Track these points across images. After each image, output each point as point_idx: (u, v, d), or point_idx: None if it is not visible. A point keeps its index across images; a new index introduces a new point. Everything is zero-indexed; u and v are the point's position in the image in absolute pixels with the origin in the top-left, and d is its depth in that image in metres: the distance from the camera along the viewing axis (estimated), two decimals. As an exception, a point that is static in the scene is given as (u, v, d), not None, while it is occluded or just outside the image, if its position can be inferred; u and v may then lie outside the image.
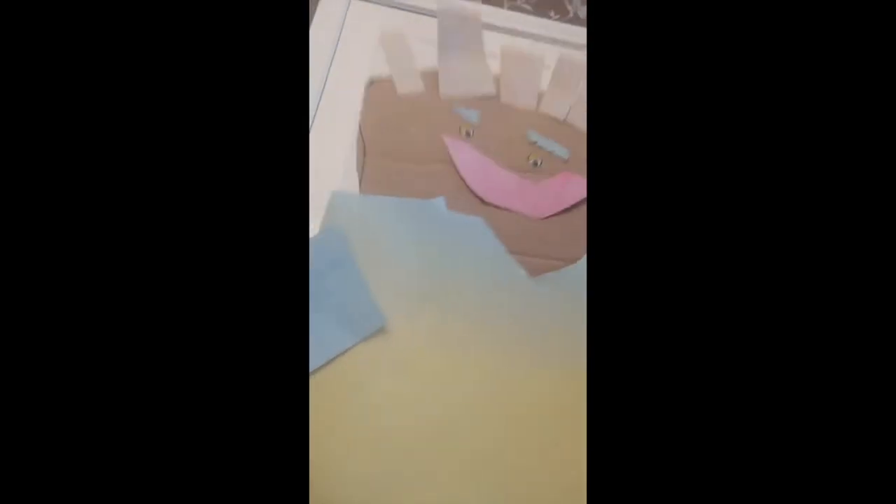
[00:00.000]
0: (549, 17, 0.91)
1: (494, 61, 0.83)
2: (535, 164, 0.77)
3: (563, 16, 0.92)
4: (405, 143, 0.75)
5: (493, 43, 0.84)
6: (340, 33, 0.83)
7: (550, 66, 0.85)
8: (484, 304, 0.65)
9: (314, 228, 0.68)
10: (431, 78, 0.80)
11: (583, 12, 0.98)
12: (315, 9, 0.83)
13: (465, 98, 0.80)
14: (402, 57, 0.81)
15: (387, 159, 0.73)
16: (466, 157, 0.75)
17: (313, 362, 0.59)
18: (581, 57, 0.84)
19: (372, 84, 0.78)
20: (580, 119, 0.81)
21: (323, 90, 0.78)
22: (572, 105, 0.82)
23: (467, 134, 0.77)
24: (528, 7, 0.92)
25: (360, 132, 0.74)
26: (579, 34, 0.94)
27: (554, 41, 0.88)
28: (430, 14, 0.84)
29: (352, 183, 0.72)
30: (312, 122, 0.75)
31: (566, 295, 0.68)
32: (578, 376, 0.62)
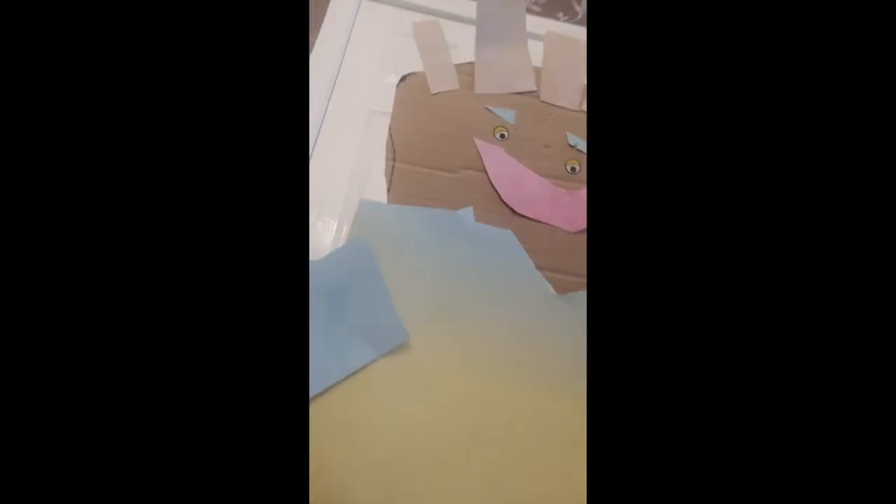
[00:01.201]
0: (558, 19, 0.90)
1: (535, 52, 0.78)
2: (573, 170, 0.72)
3: (572, 17, 0.91)
4: (435, 148, 0.71)
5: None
6: (350, 33, 0.80)
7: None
8: (509, 323, 0.64)
9: (314, 220, 0.68)
10: (466, 72, 0.76)
11: (592, 13, 0.94)
12: (326, 8, 0.81)
13: (501, 95, 0.76)
14: (436, 50, 0.76)
15: (416, 166, 0.71)
16: (499, 164, 0.71)
17: (335, 375, 0.60)
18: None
19: (404, 80, 0.75)
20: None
21: (331, 93, 0.75)
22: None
23: (501, 136, 0.73)
24: (536, 8, 0.90)
25: (390, 136, 0.72)
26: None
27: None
28: (442, 15, 0.80)
29: (380, 189, 0.70)
30: (321, 124, 0.73)
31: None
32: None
